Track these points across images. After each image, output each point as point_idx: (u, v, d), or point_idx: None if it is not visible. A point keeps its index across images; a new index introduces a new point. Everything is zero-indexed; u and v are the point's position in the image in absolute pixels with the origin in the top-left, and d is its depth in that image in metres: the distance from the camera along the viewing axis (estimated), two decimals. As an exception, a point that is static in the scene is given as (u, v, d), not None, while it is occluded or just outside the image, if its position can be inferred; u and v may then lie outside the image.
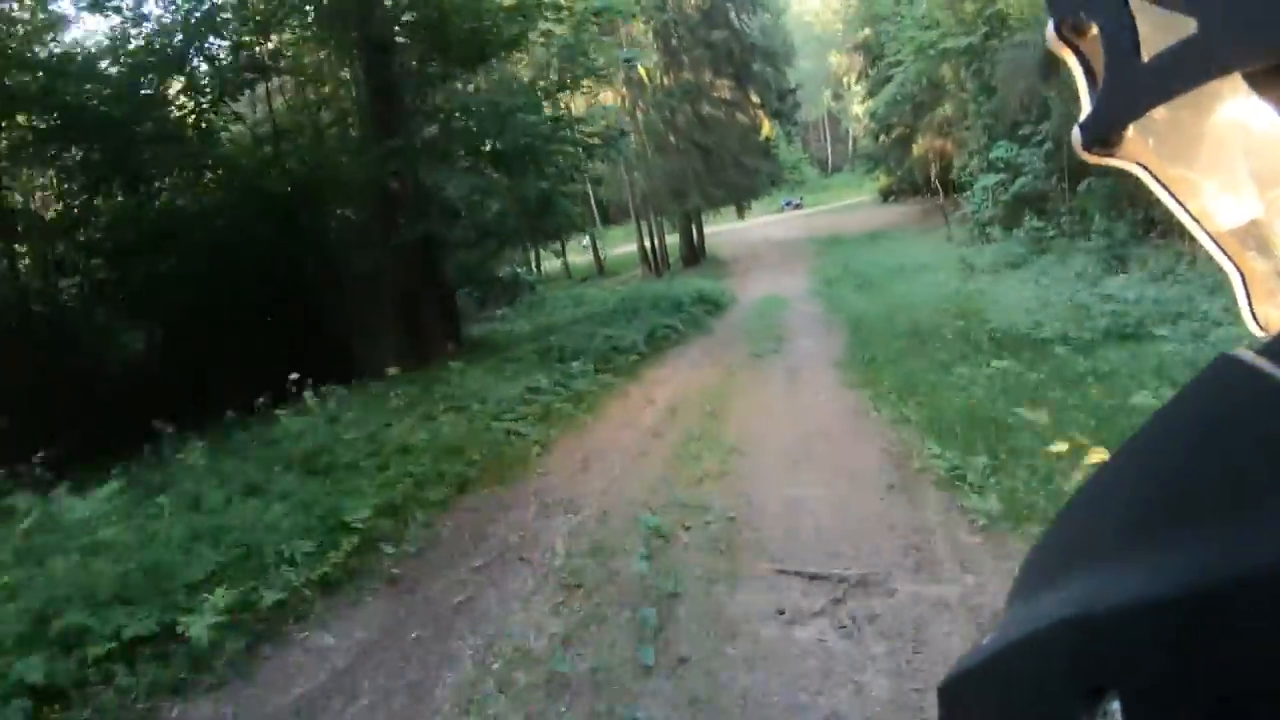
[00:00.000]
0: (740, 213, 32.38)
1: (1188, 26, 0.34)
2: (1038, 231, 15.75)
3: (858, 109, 59.52)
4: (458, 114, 12.94)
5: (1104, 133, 0.39)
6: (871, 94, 33.51)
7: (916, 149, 28.52)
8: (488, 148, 12.76)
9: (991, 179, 18.10)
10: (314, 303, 12.41)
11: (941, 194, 26.52)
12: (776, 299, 17.13)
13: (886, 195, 40.89)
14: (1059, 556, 0.44)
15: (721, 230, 39.62)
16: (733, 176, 28.49)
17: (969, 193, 19.62)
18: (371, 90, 12.05)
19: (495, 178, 13.12)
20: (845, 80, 53.72)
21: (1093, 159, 0.41)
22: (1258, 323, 0.41)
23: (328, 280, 12.59)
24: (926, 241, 23.68)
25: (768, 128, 30.34)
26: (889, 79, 28.09)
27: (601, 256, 33.83)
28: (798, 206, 44.96)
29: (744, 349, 11.15)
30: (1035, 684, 0.38)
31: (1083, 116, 0.39)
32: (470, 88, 14.00)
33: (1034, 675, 0.39)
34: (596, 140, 14.29)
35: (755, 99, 28.87)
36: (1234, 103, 0.37)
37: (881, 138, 32.54)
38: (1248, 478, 0.28)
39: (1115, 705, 0.30)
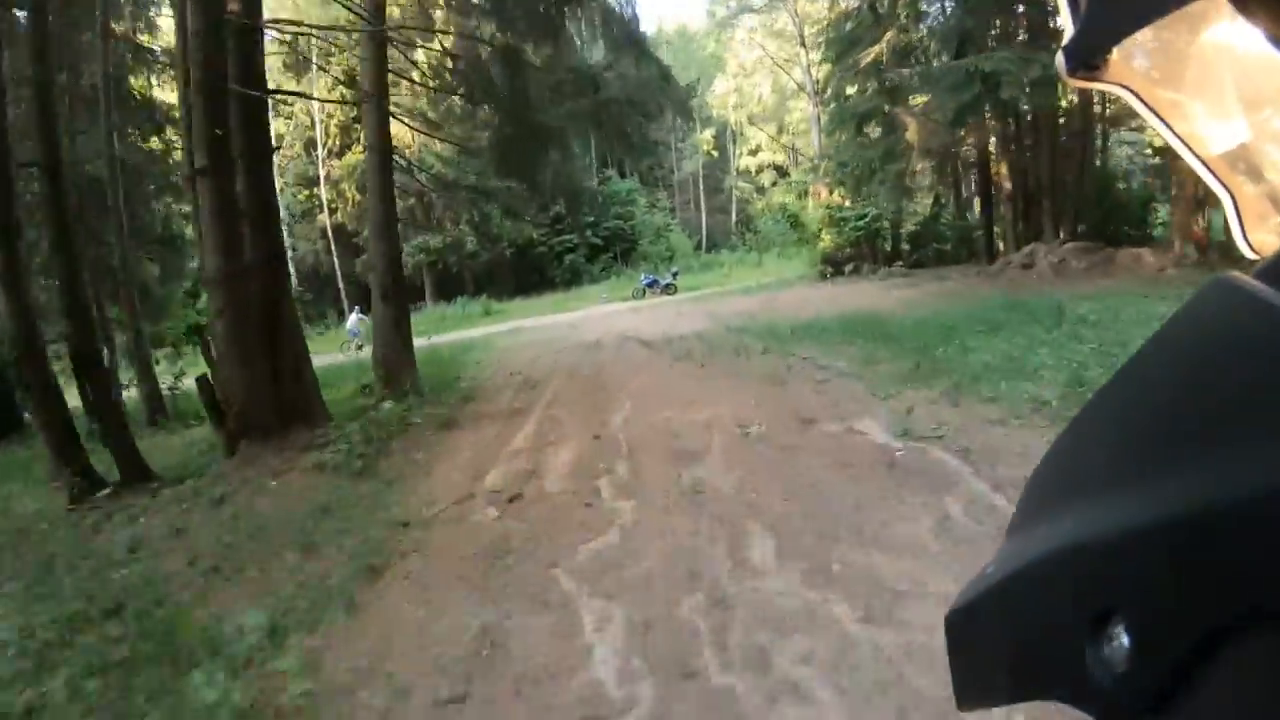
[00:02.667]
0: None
1: None
2: None
3: (749, 159, 43.27)
4: None
5: (1088, 56, 0.39)
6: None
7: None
8: None
9: None
10: None
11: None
12: None
13: (841, 265, 22.58)
14: (1057, 485, 0.43)
15: (519, 326, 19.44)
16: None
17: None
18: None
19: None
20: (734, 116, 36.91)
21: (1078, 83, 0.41)
22: (1251, 247, 0.41)
23: None
24: None
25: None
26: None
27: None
28: (667, 288, 25.55)
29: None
30: (1040, 611, 0.39)
31: (1066, 40, 0.39)
32: None
33: (1039, 603, 0.39)
34: None
35: None
36: (1219, 25, 0.37)
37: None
38: (1243, 401, 0.28)
39: (1120, 628, 0.31)
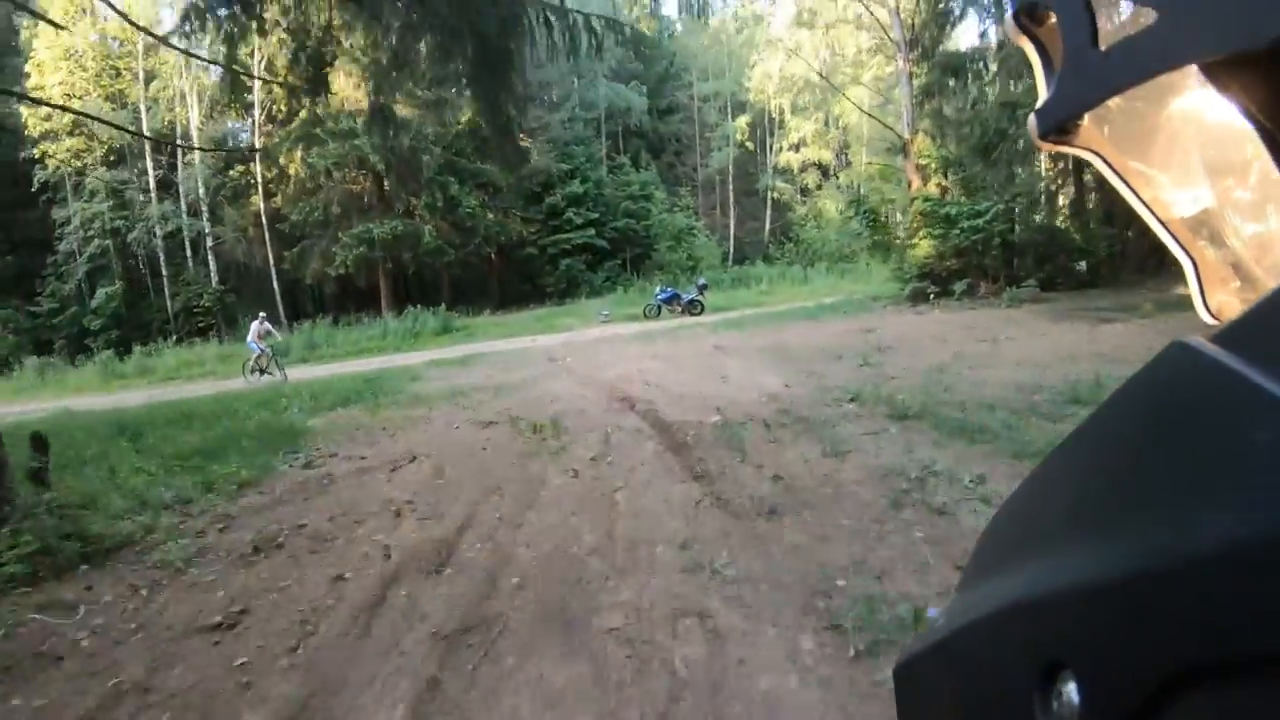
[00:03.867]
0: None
1: (1146, 18, 0.34)
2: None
3: (789, 155, 36.17)
4: None
5: (1060, 121, 0.40)
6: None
7: None
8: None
9: None
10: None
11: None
12: None
13: (948, 283, 15.48)
14: (1010, 540, 0.44)
15: (474, 354, 12.74)
16: None
17: None
18: None
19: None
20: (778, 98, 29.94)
21: (1048, 147, 0.42)
22: (1210, 311, 0.42)
23: None
24: None
25: None
26: None
27: None
28: (691, 306, 18.67)
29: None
30: (990, 664, 0.39)
31: (1039, 104, 0.40)
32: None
33: (989, 655, 0.39)
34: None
35: None
36: (1189, 94, 0.38)
37: None
38: (1198, 464, 0.29)
39: (1070, 684, 0.31)
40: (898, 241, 17.15)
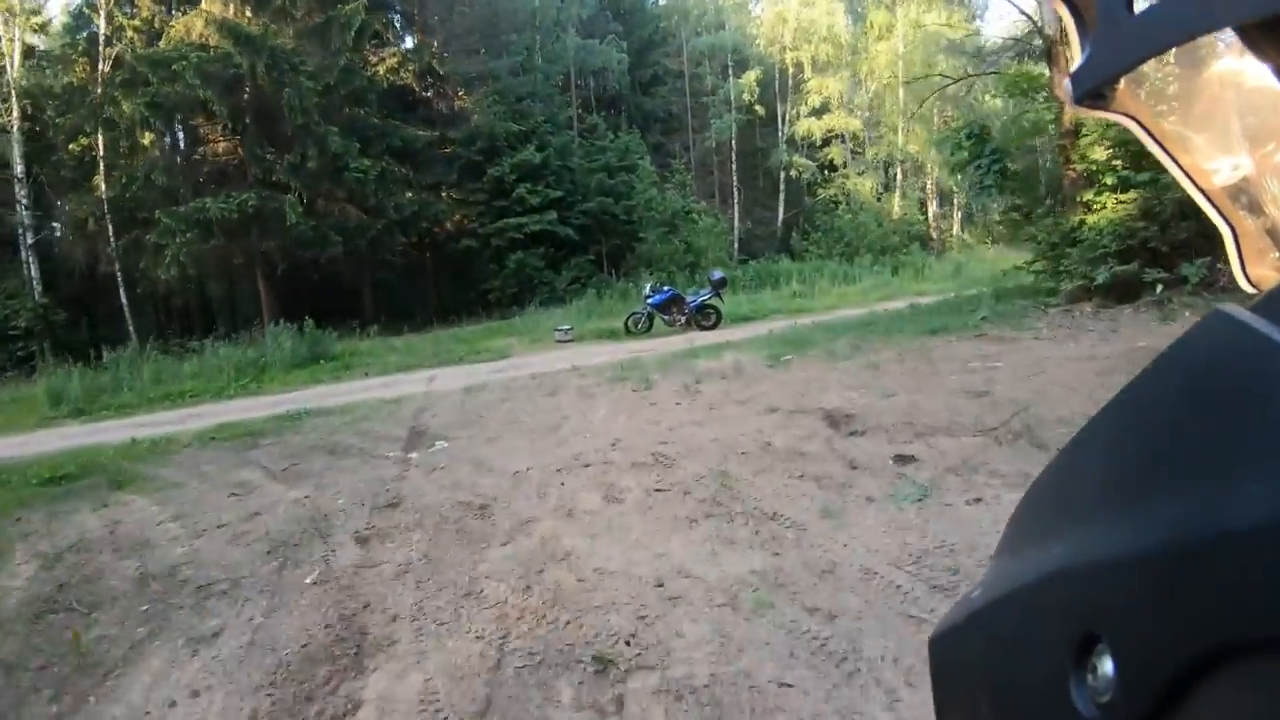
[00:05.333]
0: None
1: None
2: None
3: (810, 123, 28.99)
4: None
5: (1095, 85, 0.39)
6: None
7: None
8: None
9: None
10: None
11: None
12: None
13: (1172, 266, 8.45)
14: (1047, 512, 0.44)
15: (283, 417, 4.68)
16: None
17: None
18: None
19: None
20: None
21: (1084, 111, 0.41)
22: (1250, 281, 0.42)
23: None
24: None
25: None
26: None
27: None
28: (702, 314, 11.46)
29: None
30: (1026, 635, 0.39)
31: (1074, 67, 0.39)
32: None
33: (1024, 626, 0.39)
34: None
35: None
36: (1227, 58, 0.37)
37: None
38: (1237, 434, 0.28)
39: (1105, 656, 0.31)
40: (1047, 202, 10.27)
